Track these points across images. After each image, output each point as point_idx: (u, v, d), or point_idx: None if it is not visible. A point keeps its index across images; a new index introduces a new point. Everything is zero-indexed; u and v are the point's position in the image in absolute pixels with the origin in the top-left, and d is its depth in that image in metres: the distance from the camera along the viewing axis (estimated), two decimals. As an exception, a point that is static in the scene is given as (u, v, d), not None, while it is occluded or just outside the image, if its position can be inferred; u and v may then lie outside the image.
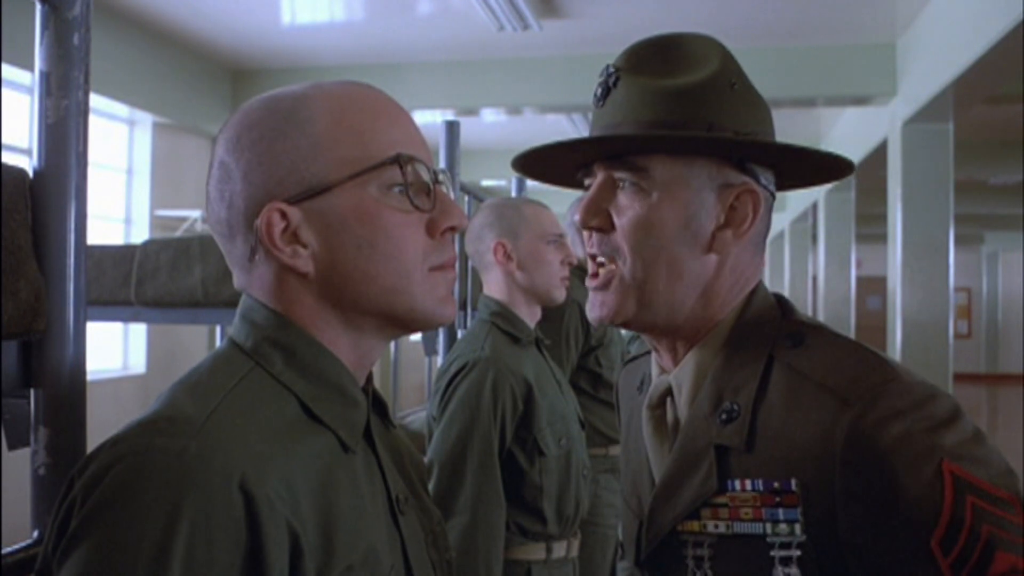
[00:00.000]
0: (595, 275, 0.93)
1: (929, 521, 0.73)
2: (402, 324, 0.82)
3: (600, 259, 0.92)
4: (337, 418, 0.77)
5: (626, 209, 0.89)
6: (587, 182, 0.94)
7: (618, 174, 0.90)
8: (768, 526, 0.81)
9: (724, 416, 0.86)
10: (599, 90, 0.92)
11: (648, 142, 0.87)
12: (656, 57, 0.90)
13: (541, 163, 0.98)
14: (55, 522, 0.67)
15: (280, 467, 0.70)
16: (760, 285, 0.94)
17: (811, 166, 0.93)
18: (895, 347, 5.64)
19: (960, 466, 0.74)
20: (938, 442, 0.75)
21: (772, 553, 0.81)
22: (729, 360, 0.89)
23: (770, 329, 0.89)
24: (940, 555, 0.72)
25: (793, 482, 0.80)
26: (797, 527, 0.80)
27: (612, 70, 0.91)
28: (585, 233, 0.93)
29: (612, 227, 0.90)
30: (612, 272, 0.90)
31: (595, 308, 0.92)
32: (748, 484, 0.83)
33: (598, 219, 0.91)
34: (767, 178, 0.91)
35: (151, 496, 0.63)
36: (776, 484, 0.81)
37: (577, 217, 0.92)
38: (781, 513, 0.81)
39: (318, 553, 0.70)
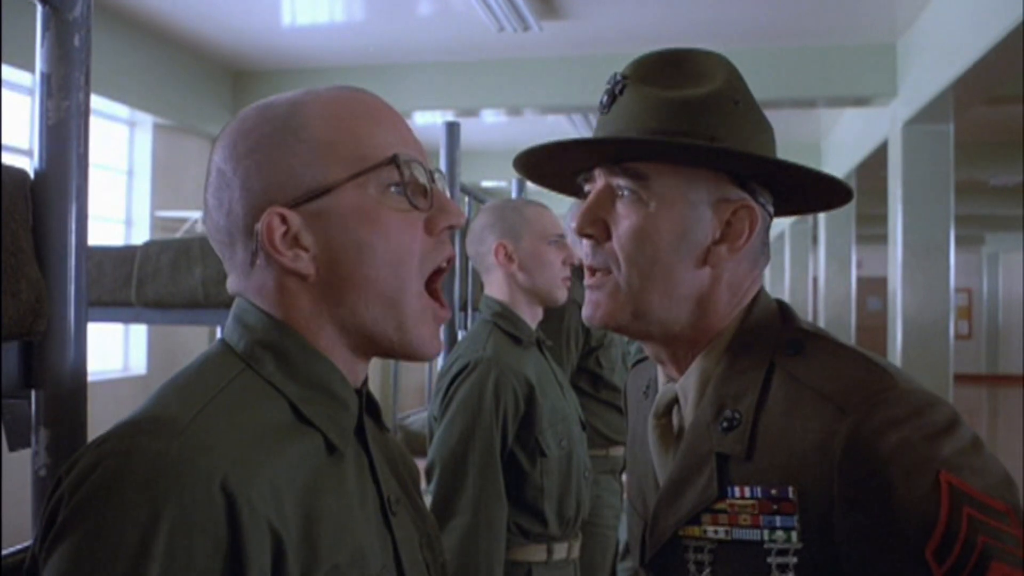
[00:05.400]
0: (592, 275, 0.93)
1: (924, 531, 0.73)
2: (384, 348, 0.81)
3: (594, 268, 0.92)
4: (326, 419, 0.78)
5: (623, 219, 0.89)
6: (587, 188, 0.95)
7: (618, 181, 0.90)
8: (766, 533, 0.82)
9: (725, 424, 0.86)
10: (605, 97, 0.92)
11: (648, 147, 0.87)
12: (663, 69, 0.91)
13: (542, 165, 0.99)
14: (42, 520, 0.68)
15: (264, 469, 0.70)
16: (762, 292, 0.94)
17: (810, 189, 0.93)
18: (895, 348, 5.63)
19: (958, 476, 0.74)
20: (936, 451, 0.75)
21: (769, 560, 0.82)
22: (731, 368, 0.89)
23: (771, 336, 0.89)
24: (935, 565, 0.73)
25: (790, 490, 0.80)
26: (794, 534, 0.81)
27: (620, 78, 0.92)
28: (582, 240, 0.94)
29: (607, 237, 0.90)
30: (606, 278, 0.91)
31: (589, 307, 0.93)
32: (747, 491, 0.84)
33: (594, 228, 0.91)
34: (765, 198, 0.92)
35: (132, 496, 0.64)
36: (774, 491, 0.82)
37: (574, 224, 0.92)
38: (778, 520, 0.81)
39: (302, 554, 0.71)
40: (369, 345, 0.82)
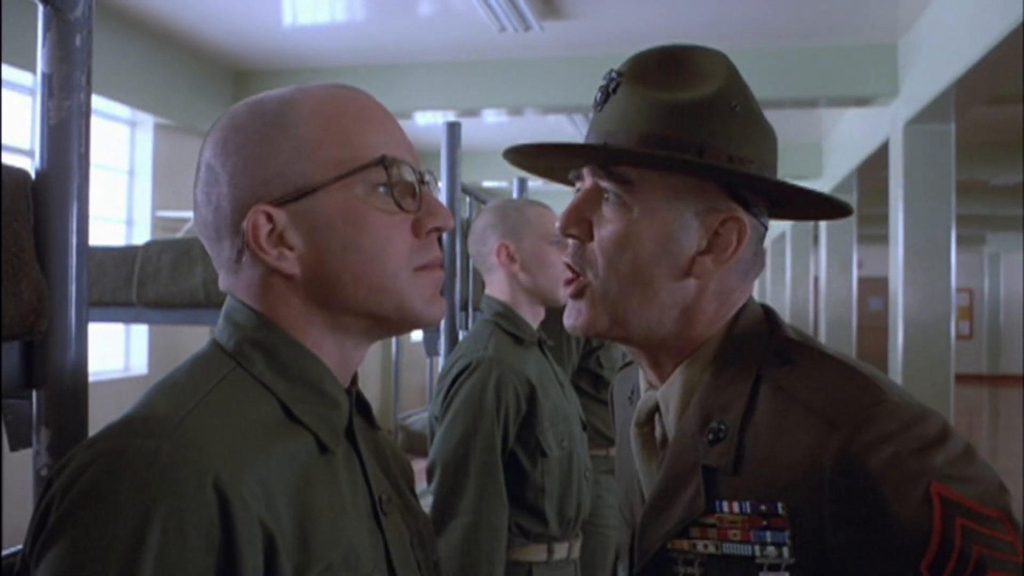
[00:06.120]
0: (569, 282, 0.91)
1: (919, 545, 0.72)
2: (390, 325, 0.82)
3: (573, 267, 0.90)
4: (317, 419, 0.78)
5: (607, 222, 0.88)
6: (577, 185, 0.93)
7: (605, 184, 0.88)
8: (757, 548, 0.81)
9: (711, 436, 0.84)
10: (599, 95, 0.90)
11: (632, 157, 0.85)
12: (660, 68, 0.88)
13: (533, 159, 0.98)
14: (33, 522, 0.68)
15: (255, 467, 0.70)
16: (750, 300, 0.92)
17: (808, 202, 0.91)
18: (896, 348, 5.63)
19: (949, 487, 0.73)
20: (927, 464, 0.74)
21: (761, 574, 0.80)
22: (717, 378, 0.87)
23: (758, 346, 0.87)
24: None
25: (780, 505, 0.79)
26: (785, 550, 0.79)
27: (614, 75, 0.89)
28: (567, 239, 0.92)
29: (590, 237, 0.89)
30: (584, 283, 0.89)
31: (569, 317, 0.91)
32: (736, 506, 0.82)
33: (577, 228, 0.89)
34: (759, 207, 0.89)
35: (124, 496, 0.64)
36: (763, 507, 0.80)
37: (558, 224, 0.91)
38: (769, 536, 0.80)
39: (295, 552, 0.70)
40: (373, 328, 0.82)
